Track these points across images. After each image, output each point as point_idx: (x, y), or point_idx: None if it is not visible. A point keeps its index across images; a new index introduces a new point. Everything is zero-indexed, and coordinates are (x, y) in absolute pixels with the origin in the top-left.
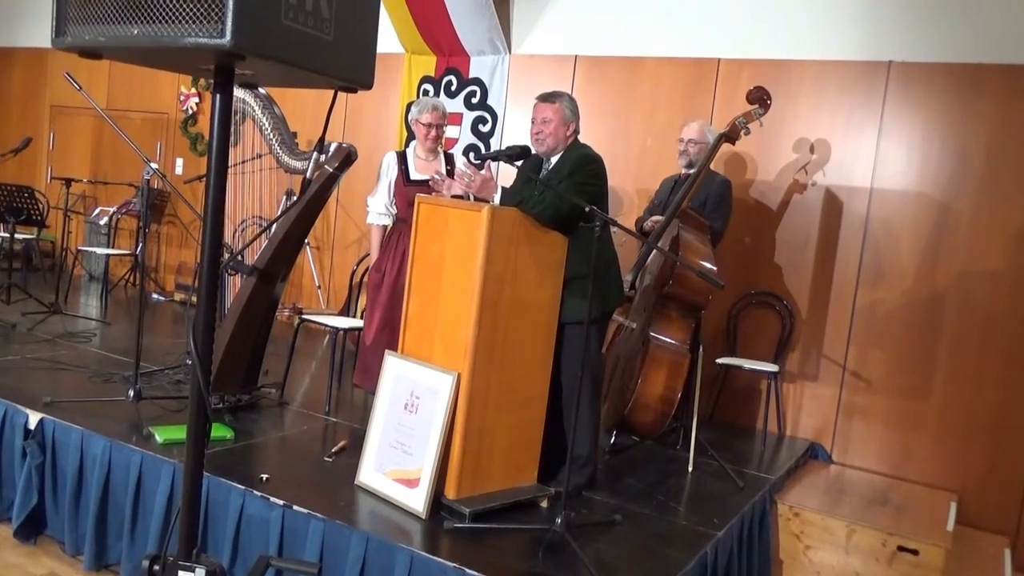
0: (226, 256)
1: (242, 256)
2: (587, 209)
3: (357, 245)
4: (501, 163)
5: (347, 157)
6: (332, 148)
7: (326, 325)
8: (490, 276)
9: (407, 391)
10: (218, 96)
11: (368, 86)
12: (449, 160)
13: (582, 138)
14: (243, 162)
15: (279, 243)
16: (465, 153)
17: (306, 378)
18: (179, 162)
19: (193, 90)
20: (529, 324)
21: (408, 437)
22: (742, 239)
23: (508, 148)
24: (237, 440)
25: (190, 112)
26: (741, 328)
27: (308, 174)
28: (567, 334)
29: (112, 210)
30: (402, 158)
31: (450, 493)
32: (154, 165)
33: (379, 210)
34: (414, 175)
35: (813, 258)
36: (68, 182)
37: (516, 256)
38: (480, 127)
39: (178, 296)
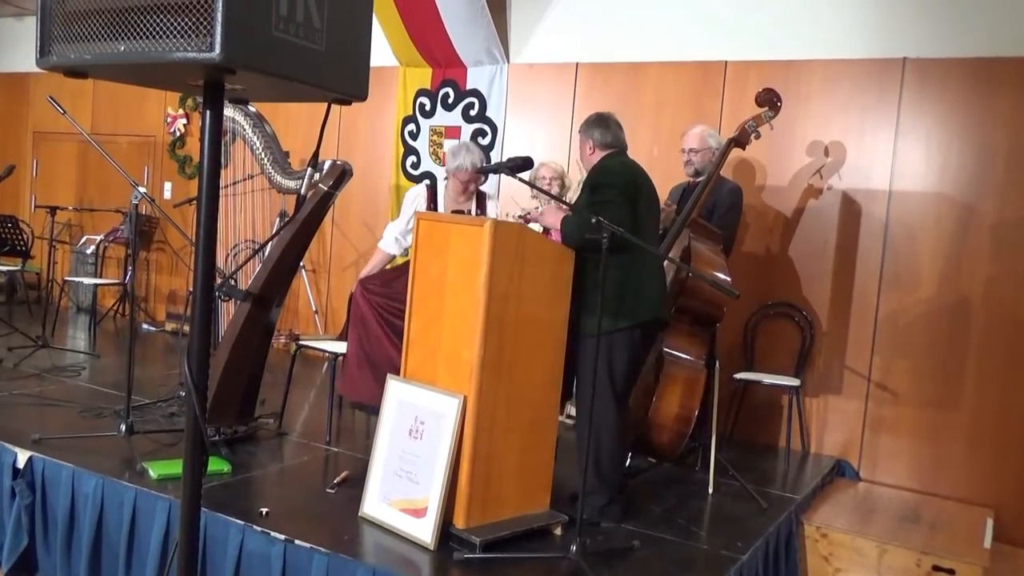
0: (219, 281)
1: (235, 280)
2: (593, 220)
3: (355, 267)
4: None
5: (342, 174)
6: (326, 165)
7: (325, 351)
8: (494, 293)
9: (411, 416)
10: (208, 113)
11: (363, 97)
12: (481, 200)
13: None
14: (234, 183)
15: (273, 266)
16: None
17: (304, 407)
18: (167, 186)
19: (180, 111)
20: (537, 342)
21: (413, 465)
22: (756, 248)
23: (509, 160)
24: (235, 473)
25: (177, 134)
26: (758, 341)
27: (303, 191)
28: (580, 350)
29: (99, 238)
30: (432, 195)
31: (459, 522)
32: (142, 189)
33: (393, 235)
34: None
35: (832, 265)
36: (53, 210)
37: (521, 272)
38: (479, 140)
39: (169, 326)
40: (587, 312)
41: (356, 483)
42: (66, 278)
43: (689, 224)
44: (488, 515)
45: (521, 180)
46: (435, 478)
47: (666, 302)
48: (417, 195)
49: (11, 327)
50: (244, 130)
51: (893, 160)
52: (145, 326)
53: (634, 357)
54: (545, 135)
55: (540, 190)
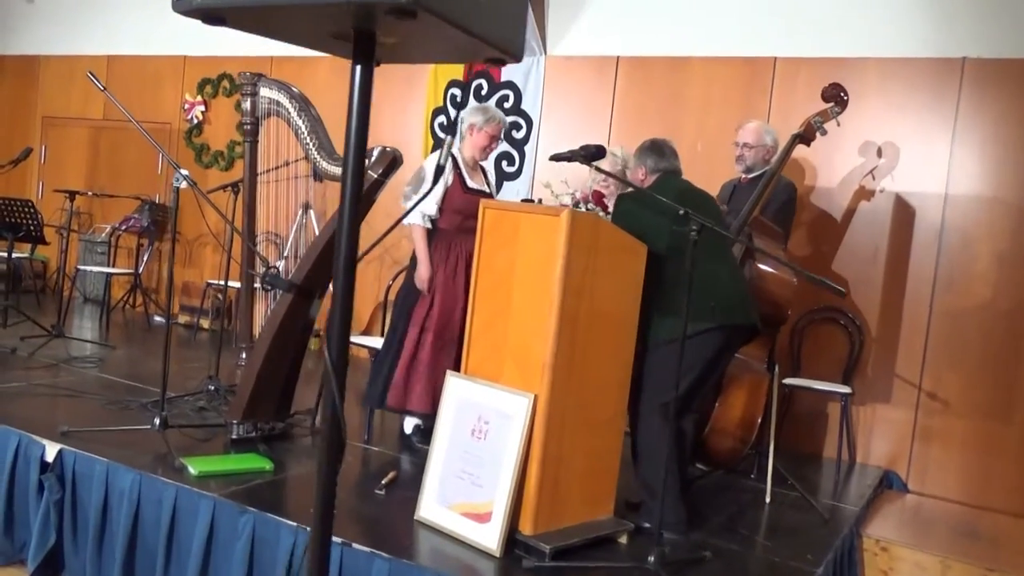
0: (260, 269)
1: (277, 270)
2: (681, 212)
3: (379, 261)
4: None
5: (392, 162)
6: (375, 152)
7: (366, 347)
8: (569, 287)
9: (474, 415)
10: (359, 70)
11: (519, 57)
12: (485, 173)
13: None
14: (275, 168)
15: (318, 256)
16: (498, 162)
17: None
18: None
19: (198, 98)
20: (608, 339)
21: (477, 467)
22: (804, 250)
23: (582, 147)
24: (276, 472)
25: (195, 121)
26: (805, 347)
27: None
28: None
29: (110, 227)
30: (454, 162)
31: (525, 528)
32: (184, 172)
33: (428, 211)
34: (471, 183)
35: (883, 270)
36: (72, 195)
37: (595, 265)
38: (514, 133)
39: (183, 318)
40: (660, 314)
41: (404, 484)
42: (78, 266)
43: (751, 222)
44: (554, 521)
45: (598, 169)
46: (501, 481)
47: (754, 306)
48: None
49: (25, 316)
50: (289, 113)
51: (950, 163)
52: (157, 318)
53: (712, 363)
54: (582, 130)
55: (618, 178)
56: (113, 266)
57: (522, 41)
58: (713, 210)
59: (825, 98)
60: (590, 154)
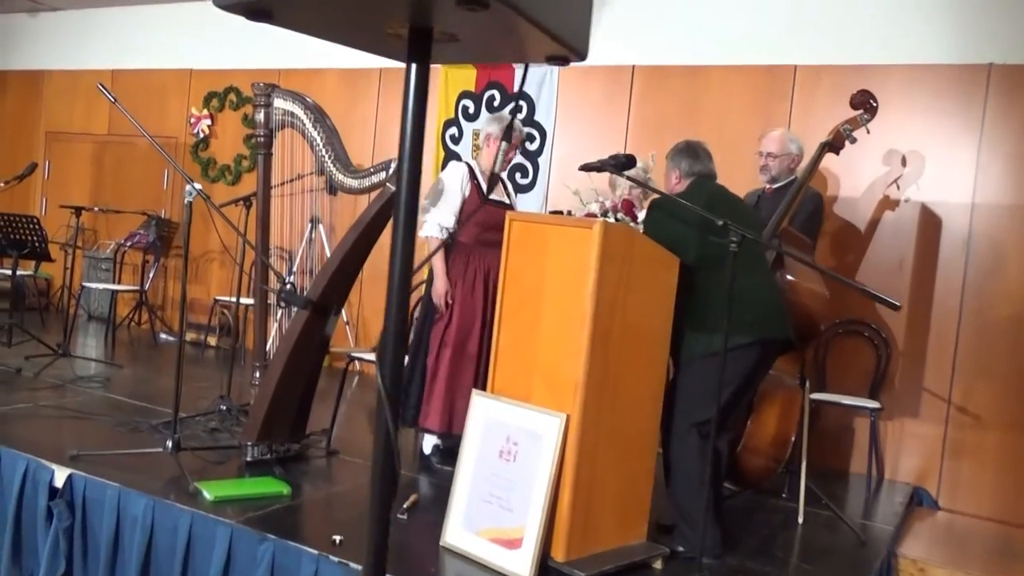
0: (275, 285)
1: (295, 287)
2: (720, 223)
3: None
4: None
5: None
6: (393, 165)
7: (374, 362)
8: (602, 302)
9: (502, 436)
10: (414, 69)
11: (585, 54)
12: (503, 183)
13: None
14: (290, 181)
15: (334, 272)
16: (512, 174)
17: (345, 422)
18: (188, 189)
19: (204, 111)
20: (640, 356)
21: (506, 490)
22: (827, 261)
23: (612, 157)
24: (294, 496)
25: (201, 135)
26: (830, 360)
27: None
28: (679, 374)
29: (115, 243)
30: (472, 172)
31: (558, 555)
32: (197, 186)
33: (446, 223)
34: (491, 194)
35: (909, 280)
36: (79, 211)
37: (628, 279)
38: (528, 145)
39: (189, 335)
40: (693, 329)
41: (426, 507)
42: (83, 283)
43: (780, 233)
44: (587, 547)
45: (631, 180)
46: (532, 505)
47: (789, 319)
48: (463, 175)
49: (29, 334)
50: (304, 125)
51: (977, 171)
52: (163, 335)
53: (748, 379)
54: (597, 140)
55: (651, 188)
56: (119, 283)
57: (588, 37)
58: (749, 217)
59: (854, 105)
60: (620, 164)
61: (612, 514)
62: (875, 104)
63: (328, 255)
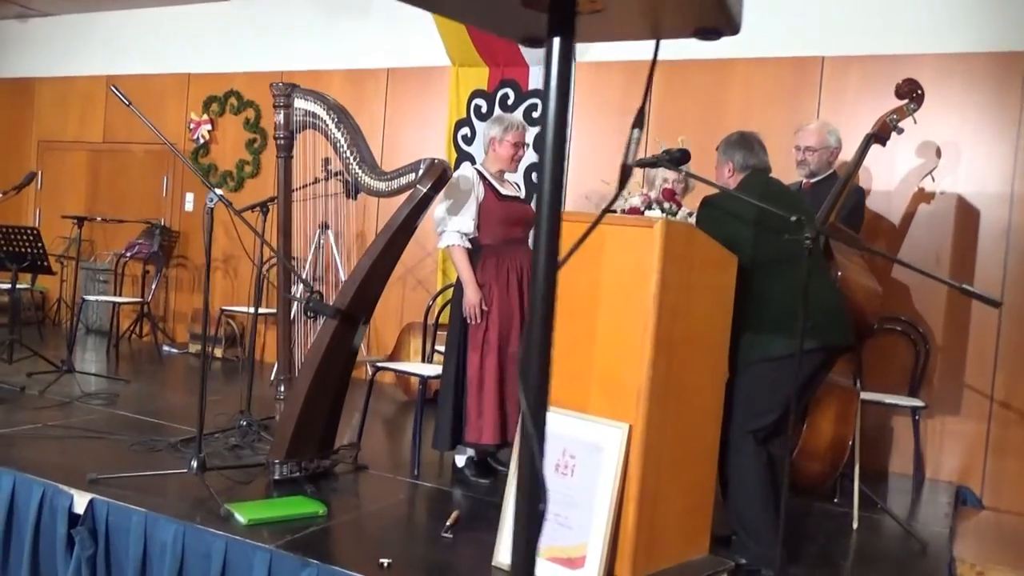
0: (300, 294)
1: (321, 296)
2: (793, 219)
3: (401, 281)
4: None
5: (442, 175)
6: (422, 166)
7: (410, 373)
8: (664, 306)
9: (557, 449)
10: (557, 44)
11: (737, 29)
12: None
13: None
14: (312, 183)
15: (363, 279)
16: (527, 174)
17: (366, 434)
18: (189, 197)
19: (204, 116)
20: (703, 362)
21: (564, 506)
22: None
23: (666, 152)
24: (329, 516)
25: (201, 141)
26: (866, 358)
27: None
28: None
29: (113, 254)
30: (481, 175)
31: (623, 573)
32: (219, 191)
33: (465, 230)
34: (503, 191)
35: (947, 274)
36: (80, 221)
37: (690, 281)
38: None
39: (193, 347)
40: (751, 333)
41: (468, 523)
42: (84, 296)
43: (827, 228)
44: (652, 564)
45: (690, 175)
46: (595, 522)
47: (850, 324)
48: (473, 178)
49: (31, 350)
50: (327, 125)
51: (1015, 161)
52: (166, 348)
53: (807, 385)
54: (618, 138)
55: (706, 181)
56: (120, 295)
57: (742, 8)
58: (809, 213)
59: (899, 95)
60: (675, 159)
61: (677, 528)
62: (921, 93)
63: (338, 262)
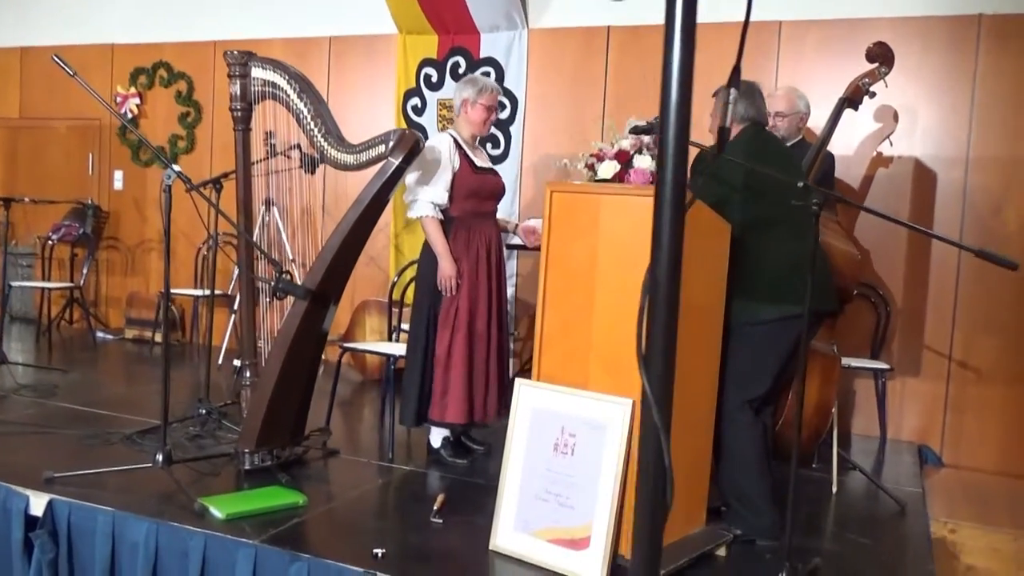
0: (269, 275)
1: (291, 275)
2: (800, 184)
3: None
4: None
5: (414, 146)
6: (393, 136)
7: (380, 353)
8: None
9: (556, 427)
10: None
11: None
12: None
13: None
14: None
15: (334, 257)
16: (483, 143)
17: (334, 418)
18: (118, 175)
19: (132, 90)
20: (699, 332)
21: (566, 486)
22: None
23: (648, 123)
24: (311, 507)
25: (130, 115)
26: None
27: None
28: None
29: (38, 237)
30: (456, 143)
31: (628, 552)
32: (176, 168)
33: (438, 200)
34: (478, 162)
35: (906, 238)
36: (7, 202)
37: (687, 250)
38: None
39: (130, 333)
40: (738, 298)
41: (455, 507)
42: (10, 283)
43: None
44: None
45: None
46: (600, 501)
47: (834, 289)
48: (450, 147)
49: None
50: (288, 96)
51: (972, 123)
52: (100, 334)
53: (794, 352)
54: (574, 106)
55: (700, 146)
56: (48, 280)
57: None
58: (800, 172)
59: (870, 58)
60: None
61: (678, 502)
62: (892, 55)
63: (284, 240)
